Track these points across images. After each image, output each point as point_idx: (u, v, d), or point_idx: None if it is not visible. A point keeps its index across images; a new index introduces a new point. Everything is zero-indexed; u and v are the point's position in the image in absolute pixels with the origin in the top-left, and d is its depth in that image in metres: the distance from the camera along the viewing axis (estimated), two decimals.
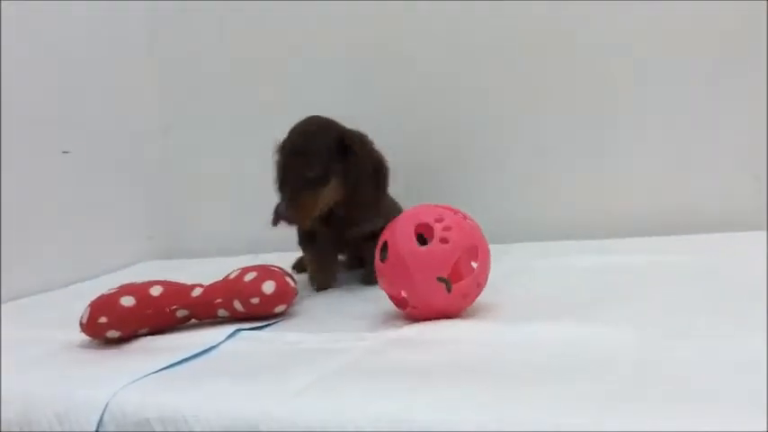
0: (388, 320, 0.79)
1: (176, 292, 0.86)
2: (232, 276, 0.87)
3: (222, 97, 1.50)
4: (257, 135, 1.44)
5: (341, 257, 1.13)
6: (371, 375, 0.61)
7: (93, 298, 0.84)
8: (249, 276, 0.85)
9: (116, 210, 1.46)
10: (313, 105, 1.37)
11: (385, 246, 0.78)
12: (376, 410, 0.53)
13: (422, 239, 0.76)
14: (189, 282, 0.88)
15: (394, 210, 1.02)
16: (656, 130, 1.14)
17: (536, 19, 1.20)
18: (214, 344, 0.76)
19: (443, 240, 0.74)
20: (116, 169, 1.46)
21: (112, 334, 0.82)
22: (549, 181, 1.22)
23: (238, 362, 0.71)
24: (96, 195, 1.41)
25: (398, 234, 0.76)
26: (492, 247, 0.79)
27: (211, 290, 0.86)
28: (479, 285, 0.77)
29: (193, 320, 0.87)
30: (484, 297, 0.78)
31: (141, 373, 0.68)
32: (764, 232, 0.96)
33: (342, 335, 0.75)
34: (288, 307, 0.86)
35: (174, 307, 0.85)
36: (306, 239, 1.06)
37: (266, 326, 0.83)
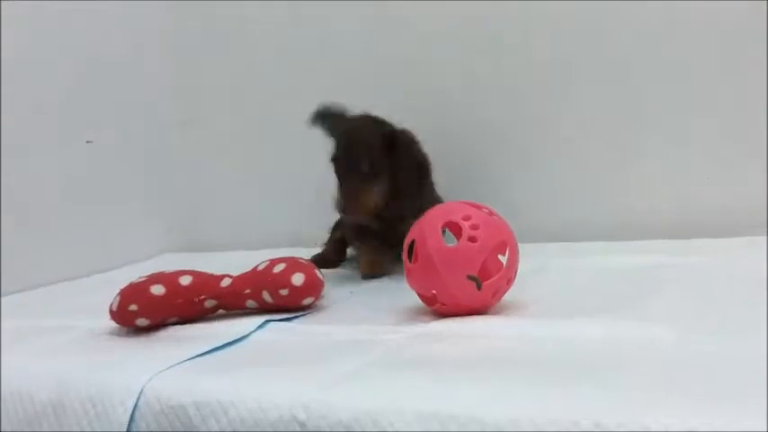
0: (417, 315, 0.79)
1: (205, 281, 0.87)
2: (261, 267, 0.88)
3: (244, 91, 1.51)
4: (278, 129, 1.48)
5: None
6: (406, 368, 0.62)
7: (114, 288, 0.85)
8: (278, 268, 0.86)
9: (137, 201, 1.48)
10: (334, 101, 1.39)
11: (412, 245, 0.78)
12: (413, 403, 0.53)
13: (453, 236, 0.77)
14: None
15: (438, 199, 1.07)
16: (684, 131, 1.14)
17: (561, 19, 1.20)
18: (245, 333, 0.77)
19: (472, 239, 0.74)
20: (138, 161, 1.47)
21: (142, 322, 0.83)
22: (572, 182, 1.22)
23: (271, 351, 0.71)
24: (118, 186, 1.43)
25: (426, 233, 0.76)
26: None
27: (240, 280, 0.87)
28: (509, 282, 0.77)
29: (221, 311, 0.88)
30: (510, 294, 0.79)
31: (175, 360, 0.68)
32: None
33: (372, 327, 0.75)
34: (316, 299, 0.87)
35: (203, 297, 0.86)
36: (359, 233, 1.11)
37: (295, 317, 0.83)
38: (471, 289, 0.74)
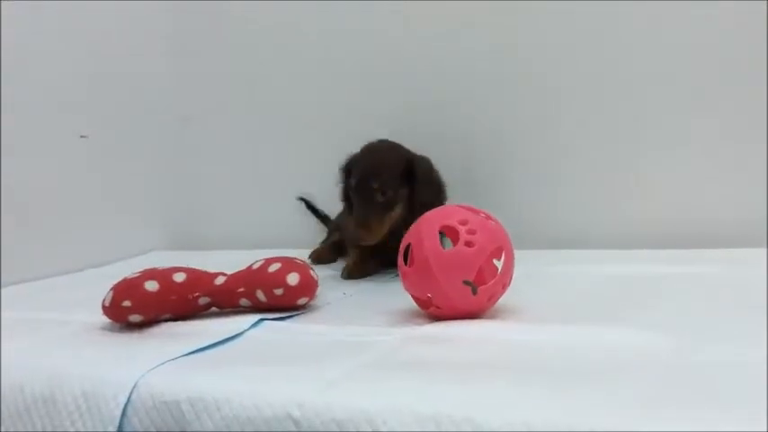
0: (411, 318, 0.79)
1: (199, 279, 0.86)
2: (255, 266, 0.87)
3: (242, 90, 1.52)
4: (275, 129, 1.48)
5: None
6: (401, 369, 0.62)
7: (107, 283, 0.84)
8: (273, 267, 0.86)
9: (131, 197, 1.47)
10: (334, 103, 1.40)
11: (407, 248, 0.78)
12: (408, 403, 0.53)
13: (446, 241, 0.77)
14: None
15: None
16: (686, 139, 1.15)
17: (563, 22, 1.22)
18: (239, 331, 0.77)
19: (469, 244, 0.75)
20: (132, 157, 1.47)
21: (135, 318, 0.82)
22: (570, 190, 1.24)
23: (265, 350, 0.71)
24: (112, 182, 1.42)
25: (423, 237, 0.76)
26: None
27: (234, 279, 0.87)
28: (504, 287, 0.78)
29: (214, 309, 0.88)
30: (505, 299, 0.79)
31: (169, 356, 0.68)
32: None
33: (366, 329, 0.75)
34: (310, 299, 0.86)
35: (197, 294, 0.85)
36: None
37: (289, 317, 0.83)
38: (467, 293, 0.74)
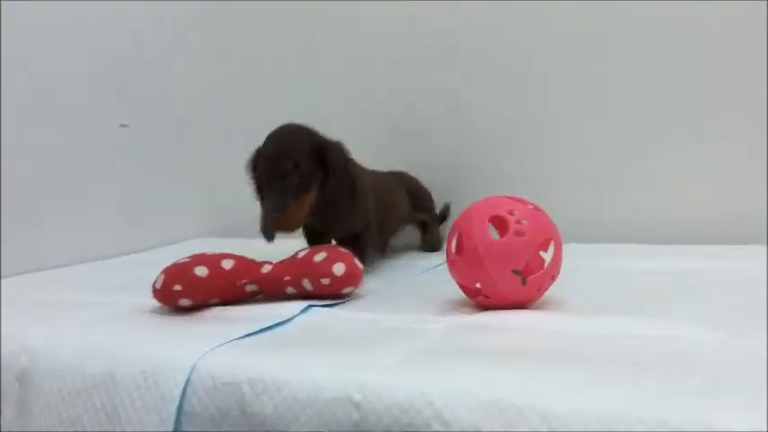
0: (458, 307, 0.80)
1: (247, 266, 0.88)
2: (301, 255, 0.89)
3: (281, 75, 1.53)
4: (316, 116, 1.48)
5: None
6: (457, 355, 0.62)
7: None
8: (319, 257, 0.87)
9: (171, 184, 1.50)
10: (364, 94, 1.41)
11: (458, 237, 0.79)
12: (469, 388, 0.54)
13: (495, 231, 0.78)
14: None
15: (369, 210, 1.06)
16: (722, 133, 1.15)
17: (563, 22, 1.24)
18: (290, 316, 0.78)
19: (519, 233, 0.75)
20: (173, 145, 1.49)
21: (184, 302, 0.84)
22: (604, 182, 1.25)
23: (319, 334, 0.72)
24: (153, 169, 1.44)
25: (473, 226, 0.77)
26: None
27: (281, 267, 0.88)
28: (553, 278, 0.78)
29: (260, 296, 0.89)
30: (549, 290, 0.79)
31: (225, 338, 0.69)
32: None
33: (415, 317, 0.76)
34: (355, 289, 0.87)
35: (244, 281, 0.87)
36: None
37: (336, 304, 0.84)
38: (516, 283, 0.75)
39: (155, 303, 0.85)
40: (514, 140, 1.30)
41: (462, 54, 1.32)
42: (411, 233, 1.30)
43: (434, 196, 1.32)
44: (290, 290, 0.87)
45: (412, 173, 1.31)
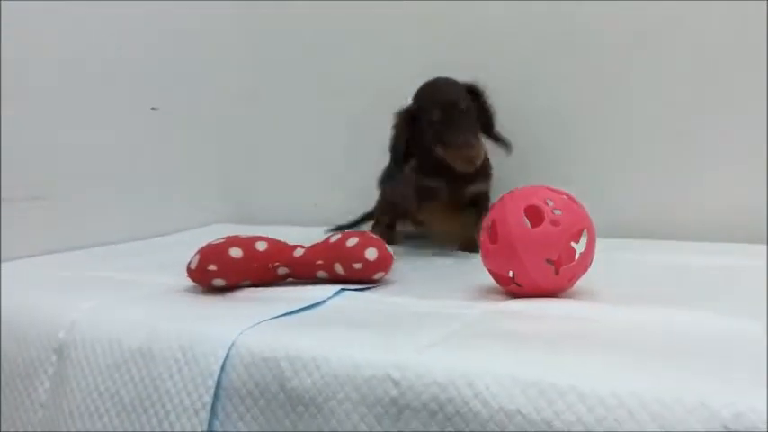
0: (489, 294, 0.80)
1: (280, 249, 0.89)
2: (333, 240, 0.90)
3: (306, 65, 1.54)
4: (337, 108, 1.50)
5: None
6: (493, 338, 0.63)
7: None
8: (351, 242, 0.88)
9: (193, 170, 1.51)
10: (392, 83, 1.41)
11: (492, 224, 0.80)
12: (509, 369, 0.55)
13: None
14: None
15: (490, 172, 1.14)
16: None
17: (561, 21, 1.24)
18: (323, 298, 0.79)
19: (554, 223, 0.76)
20: (195, 130, 1.50)
21: (218, 282, 0.85)
22: (636, 178, 1.25)
23: (353, 316, 0.73)
24: (175, 154, 1.46)
25: (509, 215, 0.77)
26: None
27: (313, 251, 0.89)
28: (585, 268, 0.79)
29: (290, 279, 0.90)
30: (580, 281, 0.80)
31: (263, 316, 0.70)
32: None
33: (448, 302, 0.77)
34: (386, 274, 0.88)
35: (277, 264, 0.88)
36: (424, 197, 1.12)
37: (367, 288, 0.85)
38: (549, 273, 0.75)
39: (189, 283, 0.86)
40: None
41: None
42: None
43: None
44: (321, 274, 0.88)
45: None
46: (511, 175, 1.13)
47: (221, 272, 0.84)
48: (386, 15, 1.42)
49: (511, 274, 0.78)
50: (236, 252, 0.85)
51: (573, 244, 0.80)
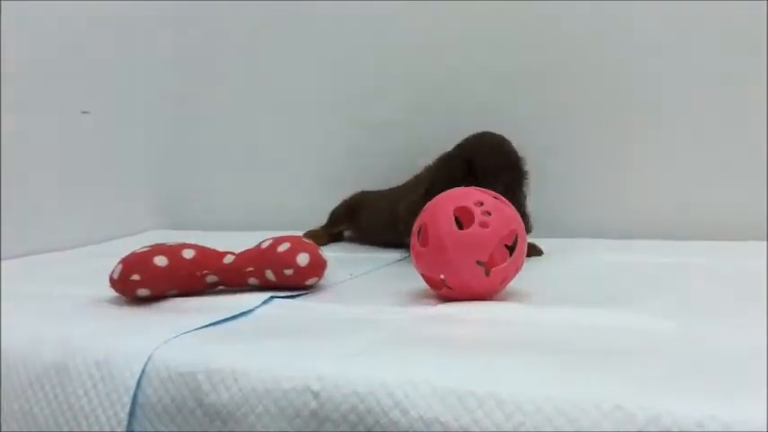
0: (421, 298, 0.80)
1: (208, 257, 0.86)
2: (264, 246, 0.87)
3: (241, 69, 1.52)
4: (274, 110, 1.48)
5: None
6: (418, 345, 0.62)
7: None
8: (282, 247, 0.86)
9: (128, 176, 1.47)
10: (336, 84, 1.40)
11: (423, 228, 0.78)
12: (428, 377, 0.53)
13: (458, 223, 0.77)
14: None
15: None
16: (690, 133, 1.17)
17: (560, 21, 1.23)
18: (251, 307, 0.77)
19: (484, 225, 0.75)
20: (130, 136, 1.46)
21: (143, 292, 0.82)
22: (575, 181, 1.25)
23: (279, 325, 0.71)
24: (109, 160, 1.42)
25: (439, 217, 0.76)
26: None
27: (243, 258, 0.86)
28: (516, 270, 0.78)
29: (221, 287, 0.87)
30: (513, 282, 0.79)
31: (183, 328, 0.68)
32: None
33: (378, 308, 0.76)
34: (319, 279, 0.86)
35: (205, 272, 0.85)
36: None
37: (299, 295, 0.83)
38: (480, 274, 0.75)
39: (112, 294, 0.83)
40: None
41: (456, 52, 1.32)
42: None
43: None
44: (252, 281, 0.86)
45: None
46: None
47: (145, 282, 0.81)
48: (329, 16, 1.41)
49: (442, 277, 0.77)
50: (161, 260, 0.82)
51: (506, 245, 0.79)
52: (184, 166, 1.58)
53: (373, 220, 1.23)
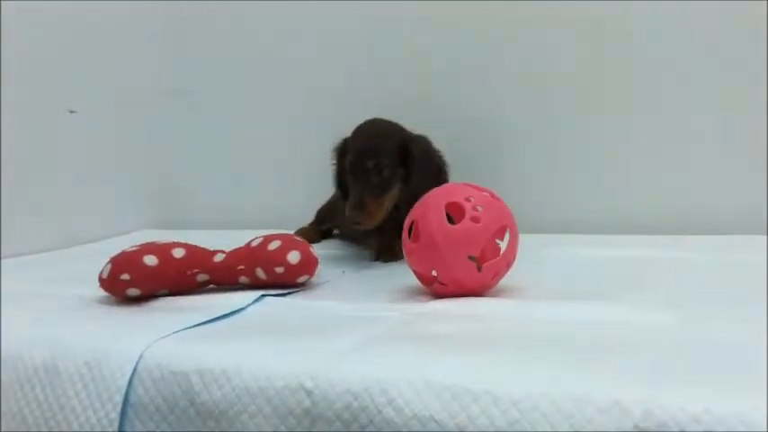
0: (413, 295, 0.79)
1: (198, 255, 0.86)
2: (254, 244, 0.87)
3: (234, 69, 1.51)
4: (266, 109, 1.47)
5: None
6: (411, 343, 0.61)
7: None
8: (273, 245, 0.85)
9: (118, 176, 1.45)
10: (329, 84, 1.39)
11: (412, 225, 0.78)
12: (422, 374, 0.53)
13: (449, 219, 0.77)
14: None
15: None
16: (683, 129, 1.17)
17: (558, 18, 1.23)
18: (242, 306, 0.76)
19: (475, 219, 0.75)
20: (121, 135, 1.45)
21: (132, 292, 0.81)
22: (570, 176, 1.26)
23: (271, 324, 0.71)
24: (100, 160, 1.40)
25: (430, 213, 0.76)
26: None
27: (234, 256, 0.86)
28: (508, 265, 0.78)
29: (212, 286, 0.87)
30: (506, 278, 0.79)
31: (174, 328, 0.67)
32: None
33: (371, 305, 0.75)
34: (310, 277, 0.86)
35: (196, 271, 0.84)
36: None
37: (290, 293, 0.83)
38: (472, 269, 0.74)
39: (102, 294, 0.82)
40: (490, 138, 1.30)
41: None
42: None
43: None
44: (243, 279, 0.85)
45: None
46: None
47: (135, 281, 0.81)
48: (325, 16, 1.40)
49: (434, 272, 0.76)
50: (150, 260, 0.82)
51: (497, 241, 0.79)
52: (173, 166, 1.57)
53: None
